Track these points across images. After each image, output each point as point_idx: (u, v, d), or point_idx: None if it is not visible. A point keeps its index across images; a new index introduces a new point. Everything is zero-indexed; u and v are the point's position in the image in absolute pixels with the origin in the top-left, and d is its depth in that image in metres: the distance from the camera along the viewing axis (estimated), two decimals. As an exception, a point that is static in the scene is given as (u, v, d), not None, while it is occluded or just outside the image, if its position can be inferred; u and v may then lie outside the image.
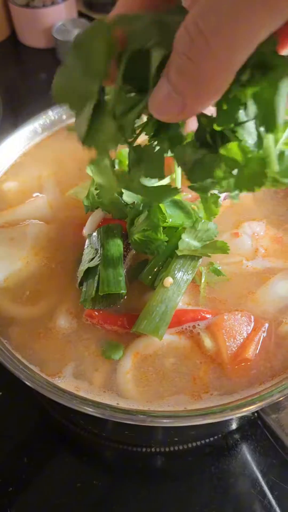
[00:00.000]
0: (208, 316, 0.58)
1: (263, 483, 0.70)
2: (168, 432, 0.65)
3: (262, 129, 0.37)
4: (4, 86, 1.34)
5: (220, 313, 0.58)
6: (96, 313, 0.58)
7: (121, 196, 0.58)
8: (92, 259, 0.59)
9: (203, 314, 0.58)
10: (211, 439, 0.73)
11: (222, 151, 0.38)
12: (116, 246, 0.60)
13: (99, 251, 0.59)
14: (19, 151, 0.80)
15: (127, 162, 0.43)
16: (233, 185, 0.39)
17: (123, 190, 0.57)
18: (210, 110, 0.37)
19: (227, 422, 0.68)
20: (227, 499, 0.69)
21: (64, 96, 0.37)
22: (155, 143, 0.41)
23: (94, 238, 0.61)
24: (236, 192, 0.40)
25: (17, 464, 0.73)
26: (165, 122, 0.37)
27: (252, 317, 0.58)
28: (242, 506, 0.69)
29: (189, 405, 0.53)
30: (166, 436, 0.70)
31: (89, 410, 0.50)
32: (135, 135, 0.40)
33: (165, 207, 0.57)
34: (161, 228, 0.57)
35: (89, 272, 0.59)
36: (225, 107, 0.36)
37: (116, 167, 0.57)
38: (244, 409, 0.50)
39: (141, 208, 0.58)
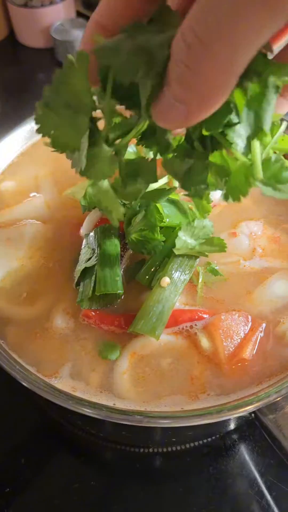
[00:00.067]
0: (205, 316, 0.57)
1: (261, 484, 0.69)
2: (166, 432, 0.65)
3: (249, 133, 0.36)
4: (2, 85, 1.34)
5: (218, 313, 0.58)
6: (93, 313, 0.58)
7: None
8: (89, 259, 0.59)
9: (200, 314, 0.58)
10: (209, 439, 0.73)
11: (210, 158, 0.38)
12: (113, 246, 0.59)
13: (96, 251, 0.59)
14: (17, 150, 0.79)
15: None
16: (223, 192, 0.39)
17: None
18: None
19: (225, 423, 0.68)
20: (225, 500, 0.69)
21: (57, 143, 0.36)
22: (149, 153, 0.41)
23: (91, 238, 0.61)
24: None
25: (14, 464, 0.72)
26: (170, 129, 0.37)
27: (250, 317, 0.57)
28: (240, 506, 0.69)
29: (186, 406, 0.52)
30: (163, 437, 0.70)
31: (86, 411, 0.50)
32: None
33: (162, 207, 0.57)
34: (158, 228, 0.57)
35: (86, 272, 0.58)
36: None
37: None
38: (241, 410, 0.49)
39: (138, 208, 0.58)
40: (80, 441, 0.76)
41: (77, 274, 0.59)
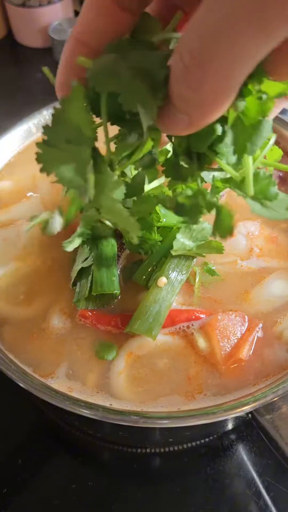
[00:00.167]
0: (202, 316, 0.57)
1: (259, 484, 0.69)
2: (163, 432, 0.65)
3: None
4: (0, 85, 1.34)
5: (214, 313, 0.57)
6: (90, 313, 0.58)
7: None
8: (86, 259, 0.59)
9: (197, 314, 0.57)
10: (207, 439, 0.73)
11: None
12: (110, 246, 0.59)
13: (93, 251, 0.58)
14: (14, 150, 0.79)
15: None
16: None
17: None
18: None
19: (222, 423, 0.68)
20: (222, 500, 0.69)
21: (64, 179, 0.35)
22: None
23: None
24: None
25: (11, 465, 0.72)
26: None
27: (246, 317, 0.57)
28: (238, 507, 0.68)
29: (182, 406, 0.52)
30: (161, 437, 0.70)
31: (82, 411, 0.49)
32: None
33: (159, 207, 0.57)
34: (155, 227, 0.57)
35: (83, 272, 0.58)
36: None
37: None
38: (238, 410, 0.49)
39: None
40: (78, 442, 0.76)
41: (73, 274, 0.59)
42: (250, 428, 0.73)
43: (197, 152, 0.38)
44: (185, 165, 0.39)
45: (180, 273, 0.58)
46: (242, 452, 0.72)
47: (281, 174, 0.74)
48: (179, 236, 0.57)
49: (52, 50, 1.38)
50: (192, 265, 0.59)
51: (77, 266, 0.59)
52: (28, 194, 0.74)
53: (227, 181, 0.41)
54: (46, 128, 0.35)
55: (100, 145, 0.37)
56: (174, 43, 0.35)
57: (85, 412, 0.49)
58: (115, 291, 0.56)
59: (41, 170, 0.36)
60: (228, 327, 0.55)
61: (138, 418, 0.49)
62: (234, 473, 0.70)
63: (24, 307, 0.61)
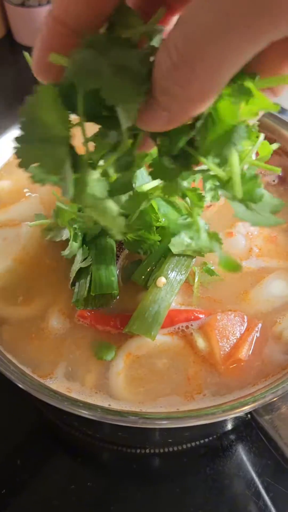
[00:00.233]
0: (201, 316, 0.57)
1: (258, 484, 0.69)
2: (162, 433, 0.65)
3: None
4: (-1, 85, 1.34)
5: (214, 313, 0.57)
6: (89, 314, 0.58)
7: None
8: (85, 259, 0.58)
9: (196, 314, 0.57)
10: (206, 440, 0.73)
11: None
12: (109, 246, 0.59)
13: (91, 251, 0.58)
14: (13, 150, 0.79)
15: None
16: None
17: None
18: None
19: (222, 423, 0.68)
20: (222, 500, 0.69)
21: (38, 176, 0.34)
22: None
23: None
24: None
25: (10, 466, 0.72)
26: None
27: (246, 317, 0.57)
28: (237, 507, 0.68)
29: (181, 406, 0.52)
30: (160, 437, 0.70)
31: (81, 412, 0.49)
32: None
33: (158, 207, 0.57)
34: (154, 227, 0.56)
35: (82, 272, 0.58)
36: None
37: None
38: (237, 410, 0.49)
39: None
40: (77, 442, 0.76)
41: (72, 274, 0.59)
42: (250, 428, 0.73)
43: (181, 152, 0.38)
44: (169, 166, 0.39)
45: (179, 273, 0.58)
46: (242, 453, 0.72)
47: (280, 174, 0.74)
48: (176, 237, 0.56)
49: (51, 50, 1.38)
50: (191, 265, 0.59)
51: (76, 266, 0.58)
52: (27, 194, 0.74)
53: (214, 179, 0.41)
54: (21, 124, 0.34)
55: (79, 143, 0.36)
56: (157, 38, 0.34)
57: (84, 413, 0.49)
58: (114, 291, 0.56)
59: (19, 166, 0.34)
60: (227, 327, 0.55)
61: (137, 419, 0.49)
62: (234, 474, 0.70)
63: (23, 307, 0.61)
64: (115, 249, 0.60)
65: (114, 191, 0.38)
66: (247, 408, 0.49)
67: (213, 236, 0.45)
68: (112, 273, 0.57)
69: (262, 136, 0.41)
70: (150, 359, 0.56)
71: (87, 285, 0.56)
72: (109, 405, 0.52)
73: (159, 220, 0.56)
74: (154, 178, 0.42)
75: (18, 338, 0.58)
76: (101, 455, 0.76)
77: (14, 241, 0.67)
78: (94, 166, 0.37)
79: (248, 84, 0.33)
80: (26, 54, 0.37)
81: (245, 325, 0.56)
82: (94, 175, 0.36)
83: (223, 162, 0.37)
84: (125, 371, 0.55)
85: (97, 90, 0.31)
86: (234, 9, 0.25)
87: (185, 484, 0.70)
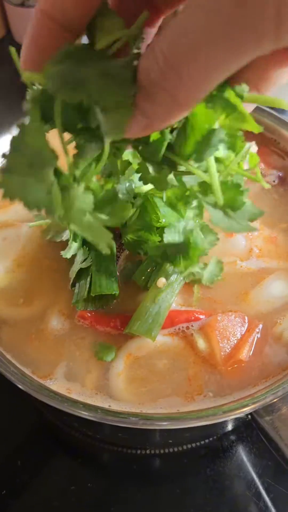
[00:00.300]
0: (201, 317, 0.57)
1: (258, 485, 0.69)
2: (162, 434, 0.64)
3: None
4: (-1, 85, 1.33)
5: (214, 314, 0.57)
6: (89, 314, 0.58)
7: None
8: (85, 259, 0.58)
9: (196, 315, 0.57)
10: (206, 441, 0.72)
11: None
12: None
13: (91, 252, 0.58)
14: None
15: None
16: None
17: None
18: None
19: (222, 424, 0.68)
20: (222, 501, 0.69)
21: (30, 203, 0.34)
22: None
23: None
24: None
25: (10, 466, 0.72)
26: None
27: (246, 317, 0.57)
28: (238, 508, 0.68)
29: (182, 407, 0.52)
30: (160, 438, 0.70)
31: (81, 413, 0.49)
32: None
33: (159, 207, 0.57)
34: (155, 228, 0.56)
35: (82, 273, 0.58)
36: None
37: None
38: (237, 412, 0.49)
39: (133, 207, 0.57)
40: (77, 443, 0.76)
41: (72, 275, 0.58)
42: (250, 429, 0.73)
43: (164, 158, 0.38)
44: (153, 173, 0.39)
45: (179, 273, 0.58)
46: (242, 453, 0.72)
47: (280, 174, 0.74)
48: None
49: (51, 50, 1.38)
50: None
51: (76, 267, 0.58)
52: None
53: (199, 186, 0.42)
54: (5, 156, 0.34)
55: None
56: (138, 43, 0.34)
57: (84, 414, 0.49)
58: (114, 292, 0.56)
59: (3, 197, 0.34)
60: (227, 328, 0.55)
61: (137, 420, 0.49)
62: (234, 474, 0.70)
63: (22, 308, 0.61)
64: (115, 249, 0.60)
65: (100, 204, 0.38)
66: (247, 409, 0.49)
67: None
68: (112, 274, 0.57)
69: (248, 145, 0.41)
70: (151, 360, 0.56)
71: (87, 285, 0.56)
72: (109, 406, 0.52)
73: (159, 220, 0.56)
74: (144, 183, 0.43)
75: (18, 339, 0.58)
76: (101, 456, 0.75)
77: (14, 242, 0.67)
78: (77, 179, 0.37)
79: (236, 100, 0.33)
80: (12, 49, 0.37)
81: (246, 326, 0.56)
82: (80, 190, 0.36)
83: (204, 166, 0.37)
84: (125, 372, 0.55)
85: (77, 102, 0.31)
86: (220, 25, 0.26)
87: (186, 485, 0.70)
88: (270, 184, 0.73)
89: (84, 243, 0.60)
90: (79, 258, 0.59)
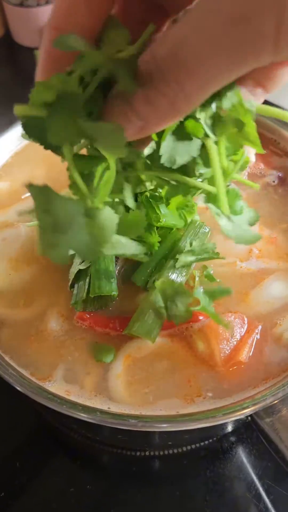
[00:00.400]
0: (201, 318, 0.57)
1: (259, 487, 0.69)
2: (162, 436, 0.64)
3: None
4: (-2, 85, 1.33)
5: (214, 315, 0.57)
6: (88, 315, 0.58)
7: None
8: (84, 260, 0.58)
9: (196, 316, 0.57)
10: (206, 442, 0.72)
11: None
12: (108, 247, 0.59)
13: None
14: (11, 150, 0.79)
15: None
16: None
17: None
18: None
19: (222, 426, 0.67)
20: (222, 503, 0.68)
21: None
22: None
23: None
24: None
25: (9, 468, 0.72)
26: None
27: (246, 319, 0.57)
28: (238, 509, 0.68)
29: (181, 409, 0.52)
30: (160, 440, 0.70)
31: (79, 415, 0.49)
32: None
33: (159, 207, 0.56)
34: (155, 228, 0.56)
35: (81, 274, 0.58)
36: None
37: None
38: (237, 414, 0.49)
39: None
40: (76, 445, 0.75)
41: (71, 276, 0.58)
42: (250, 430, 0.72)
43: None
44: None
45: (179, 274, 0.57)
46: (242, 455, 0.71)
47: (280, 175, 0.74)
48: (182, 257, 0.56)
49: (50, 50, 1.37)
50: (192, 266, 0.59)
51: (75, 268, 0.58)
52: (26, 195, 0.74)
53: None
54: (35, 214, 0.35)
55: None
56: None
57: (83, 416, 0.49)
58: (113, 293, 0.56)
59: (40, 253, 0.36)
60: (227, 329, 0.55)
61: (136, 422, 0.48)
62: (234, 476, 0.70)
63: (21, 309, 0.61)
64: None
65: (125, 229, 0.39)
66: (247, 411, 0.49)
67: None
68: (111, 275, 0.57)
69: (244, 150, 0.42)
70: (150, 362, 0.55)
71: (86, 286, 0.56)
72: (109, 408, 0.52)
73: (160, 220, 0.56)
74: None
75: (17, 341, 0.58)
76: (100, 458, 0.75)
77: (13, 242, 0.67)
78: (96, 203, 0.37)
79: (247, 118, 0.34)
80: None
81: (245, 327, 0.56)
82: (105, 213, 0.36)
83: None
84: (125, 373, 0.55)
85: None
86: (221, 38, 0.27)
87: (185, 486, 0.70)
88: (270, 184, 0.73)
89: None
90: (78, 259, 0.59)
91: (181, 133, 0.36)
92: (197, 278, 0.59)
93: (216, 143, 0.36)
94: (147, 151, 0.40)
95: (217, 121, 0.35)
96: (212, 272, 0.60)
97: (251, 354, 0.55)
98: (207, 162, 0.38)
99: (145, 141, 0.38)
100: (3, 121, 0.84)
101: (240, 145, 0.37)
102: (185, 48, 0.29)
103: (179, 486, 0.70)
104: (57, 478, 0.71)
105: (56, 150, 0.35)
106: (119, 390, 0.53)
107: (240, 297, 0.60)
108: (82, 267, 0.57)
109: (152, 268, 0.59)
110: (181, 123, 0.36)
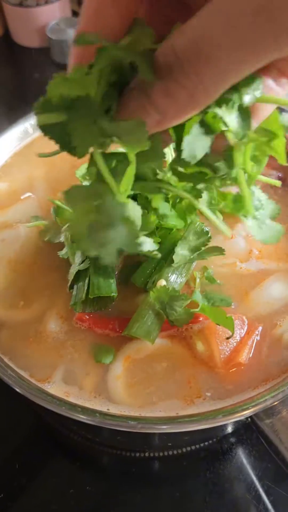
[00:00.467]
0: (200, 319, 0.56)
1: (258, 488, 0.68)
2: (162, 437, 0.64)
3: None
4: (-3, 85, 1.33)
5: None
6: (87, 317, 0.57)
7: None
8: (83, 261, 0.58)
9: (195, 317, 0.56)
10: (206, 443, 0.72)
11: None
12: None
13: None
14: (10, 151, 0.79)
15: None
16: None
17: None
18: None
19: (222, 427, 0.67)
20: (222, 504, 0.68)
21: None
22: None
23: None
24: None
25: (8, 469, 0.71)
26: None
27: (246, 320, 0.57)
28: (238, 511, 0.68)
29: (181, 411, 0.51)
30: (159, 441, 0.69)
31: (79, 417, 0.49)
32: None
33: (159, 207, 0.56)
34: (155, 228, 0.56)
35: (80, 274, 0.57)
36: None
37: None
38: (237, 415, 0.48)
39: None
40: (76, 446, 0.75)
41: (70, 277, 0.58)
42: (250, 431, 0.72)
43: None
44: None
45: (179, 275, 0.57)
46: (242, 456, 0.71)
47: (280, 175, 0.73)
48: (178, 249, 0.56)
49: (49, 50, 1.37)
50: (191, 267, 0.59)
51: (74, 269, 0.58)
52: (25, 195, 0.73)
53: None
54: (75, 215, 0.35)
55: None
56: None
57: (82, 418, 0.48)
58: (113, 294, 0.56)
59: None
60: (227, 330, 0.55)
61: (136, 424, 0.48)
62: (234, 477, 0.70)
63: (20, 311, 0.61)
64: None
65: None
66: (247, 413, 0.49)
67: None
68: (111, 275, 0.56)
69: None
70: (149, 363, 0.55)
71: (85, 287, 0.56)
72: (108, 409, 0.52)
73: (160, 221, 0.56)
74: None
75: (16, 342, 0.58)
76: (100, 459, 0.75)
77: (12, 243, 0.67)
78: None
79: (280, 132, 0.34)
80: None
81: (245, 328, 0.56)
82: (139, 212, 0.37)
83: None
84: (124, 374, 0.54)
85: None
86: (243, 31, 0.27)
87: (185, 487, 0.70)
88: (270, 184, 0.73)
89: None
90: (77, 259, 0.59)
91: (202, 128, 0.36)
92: (197, 280, 0.59)
93: (243, 145, 0.36)
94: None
95: (244, 116, 0.35)
96: (212, 273, 0.60)
97: (251, 355, 0.55)
98: (230, 164, 0.38)
99: (167, 140, 0.38)
100: (3, 121, 0.84)
101: (266, 154, 0.37)
102: (206, 40, 0.28)
103: (179, 487, 0.70)
104: (57, 479, 0.71)
105: (72, 150, 0.35)
106: (119, 391, 0.53)
107: (240, 298, 0.59)
108: (81, 268, 0.57)
109: (151, 269, 0.59)
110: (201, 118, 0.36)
